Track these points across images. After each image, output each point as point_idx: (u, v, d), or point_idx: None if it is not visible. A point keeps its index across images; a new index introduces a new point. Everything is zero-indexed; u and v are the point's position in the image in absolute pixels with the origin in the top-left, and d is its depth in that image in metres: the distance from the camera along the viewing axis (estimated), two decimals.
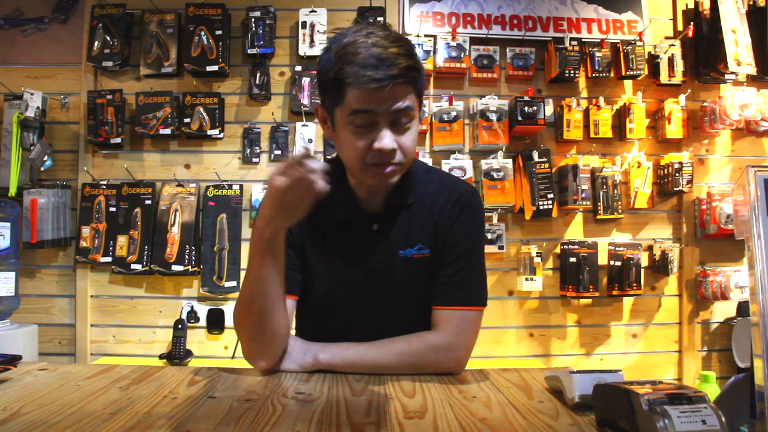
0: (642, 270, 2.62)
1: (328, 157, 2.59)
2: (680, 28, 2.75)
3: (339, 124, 1.05)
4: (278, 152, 2.63)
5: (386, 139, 1.01)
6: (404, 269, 1.15)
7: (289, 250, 1.13)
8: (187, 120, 2.58)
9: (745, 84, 2.62)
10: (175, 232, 2.56)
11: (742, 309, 2.58)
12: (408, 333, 1.10)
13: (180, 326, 2.52)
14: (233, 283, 2.55)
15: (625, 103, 2.66)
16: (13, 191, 2.49)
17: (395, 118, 1.01)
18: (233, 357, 2.46)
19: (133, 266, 2.53)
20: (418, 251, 1.15)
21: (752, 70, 2.53)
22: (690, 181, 2.58)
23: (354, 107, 1.00)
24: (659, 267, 2.63)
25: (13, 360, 1.02)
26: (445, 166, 2.57)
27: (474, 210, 1.17)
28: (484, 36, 2.68)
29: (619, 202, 2.63)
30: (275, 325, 1.04)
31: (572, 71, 2.59)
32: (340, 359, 1.05)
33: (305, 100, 2.59)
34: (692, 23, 2.64)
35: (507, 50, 2.69)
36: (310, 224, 1.15)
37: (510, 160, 2.60)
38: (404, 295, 1.16)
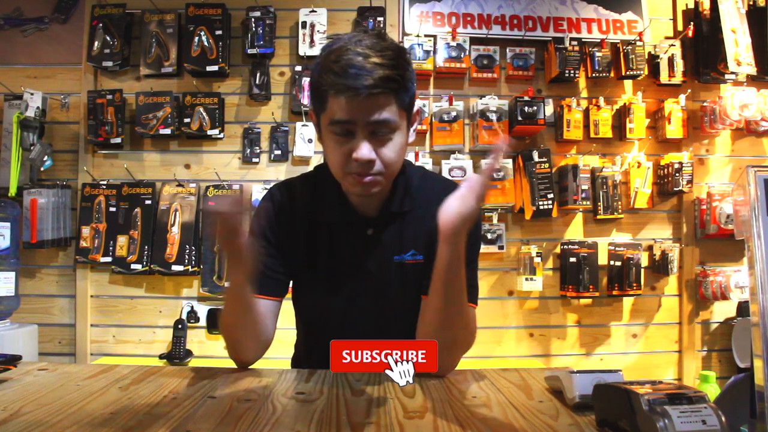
0: (642, 270, 2.62)
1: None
2: (680, 28, 2.75)
3: (323, 130, 1.07)
4: (278, 152, 2.63)
5: (363, 150, 1.00)
6: (398, 274, 1.15)
7: (271, 250, 1.15)
8: (187, 120, 2.58)
9: (745, 84, 2.61)
10: (175, 232, 2.56)
11: (742, 309, 2.58)
12: (404, 337, 1.08)
13: (180, 326, 2.52)
14: None
15: (625, 103, 2.66)
16: (13, 191, 2.48)
17: (374, 128, 1.00)
18: None
19: (133, 266, 2.52)
20: (411, 257, 1.15)
21: (752, 70, 2.53)
22: (690, 181, 2.58)
23: (333, 117, 1.01)
24: (659, 267, 2.63)
25: (13, 360, 1.02)
26: (445, 166, 2.57)
27: None
28: (484, 36, 2.68)
29: (619, 202, 2.63)
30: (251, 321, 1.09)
31: (572, 71, 2.59)
32: None
33: (305, 100, 2.59)
34: (692, 23, 2.64)
35: (507, 50, 2.69)
36: (307, 226, 1.16)
37: (510, 160, 2.60)
38: (399, 300, 1.16)
